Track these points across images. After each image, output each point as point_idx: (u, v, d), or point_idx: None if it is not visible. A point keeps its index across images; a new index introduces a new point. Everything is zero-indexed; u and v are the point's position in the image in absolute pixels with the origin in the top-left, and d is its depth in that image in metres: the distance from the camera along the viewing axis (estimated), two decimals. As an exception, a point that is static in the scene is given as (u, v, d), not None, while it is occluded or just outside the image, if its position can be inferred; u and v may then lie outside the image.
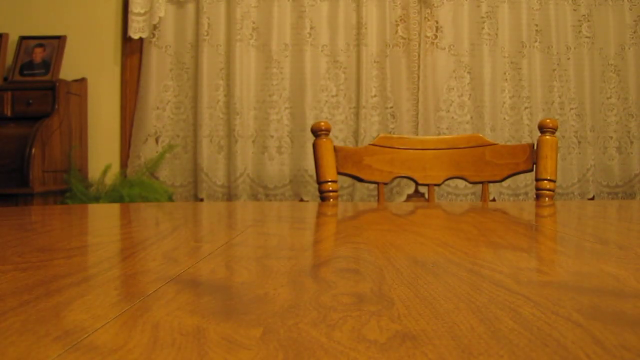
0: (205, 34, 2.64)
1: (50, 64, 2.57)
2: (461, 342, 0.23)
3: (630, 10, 2.75)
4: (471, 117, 2.68)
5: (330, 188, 1.34)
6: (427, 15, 2.70)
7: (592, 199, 2.69)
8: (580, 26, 2.73)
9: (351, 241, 0.58)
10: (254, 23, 2.67)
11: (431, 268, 0.42)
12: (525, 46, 2.70)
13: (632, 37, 2.75)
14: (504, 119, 2.69)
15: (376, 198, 2.07)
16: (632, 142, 2.74)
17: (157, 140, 2.68)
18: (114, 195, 2.45)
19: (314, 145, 1.38)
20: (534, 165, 1.37)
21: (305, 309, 0.29)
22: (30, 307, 0.29)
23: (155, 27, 2.65)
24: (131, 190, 2.43)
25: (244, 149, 2.64)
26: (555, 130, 1.38)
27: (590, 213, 0.95)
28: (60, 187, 2.46)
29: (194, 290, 0.35)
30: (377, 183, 1.40)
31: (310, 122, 2.57)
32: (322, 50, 2.66)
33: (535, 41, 2.71)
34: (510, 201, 2.58)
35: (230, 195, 2.63)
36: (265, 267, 0.43)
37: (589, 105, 2.71)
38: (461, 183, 2.63)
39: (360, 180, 1.41)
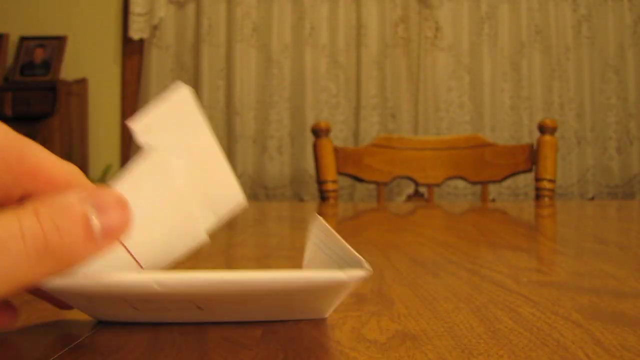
0: (206, 34, 2.64)
1: (50, 65, 2.57)
2: (461, 342, 0.23)
3: (630, 10, 2.75)
4: (471, 117, 2.68)
5: (331, 188, 1.34)
6: (426, 16, 2.70)
7: (592, 199, 2.69)
8: (580, 26, 2.73)
9: (351, 241, 0.58)
10: (254, 23, 2.67)
11: (431, 268, 0.42)
12: (525, 46, 2.70)
13: (632, 38, 2.75)
14: (504, 119, 2.69)
15: (376, 198, 2.07)
16: (631, 143, 2.74)
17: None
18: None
19: (314, 146, 1.38)
20: (534, 166, 1.37)
21: (305, 309, 0.29)
22: (31, 307, 0.29)
23: (155, 27, 2.65)
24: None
25: (244, 149, 2.64)
26: (555, 130, 1.38)
27: (590, 213, 0.95)
28: (60, 188, 2.46)
29: (194, 291, 0.35)
30: (377, 183, 1.40)
31: (310, 123, 2.57)
32: (322, 51, 2.66)
33: (535, 41, 2.71)
34: (510, 201, 2.58)
35: (230, 196, 2.63)
36: (266, 267, 0.43)
37: (589, 105, 2.71)
38: (461, 183, 2.63)
39: (360, 180, 1.41)
